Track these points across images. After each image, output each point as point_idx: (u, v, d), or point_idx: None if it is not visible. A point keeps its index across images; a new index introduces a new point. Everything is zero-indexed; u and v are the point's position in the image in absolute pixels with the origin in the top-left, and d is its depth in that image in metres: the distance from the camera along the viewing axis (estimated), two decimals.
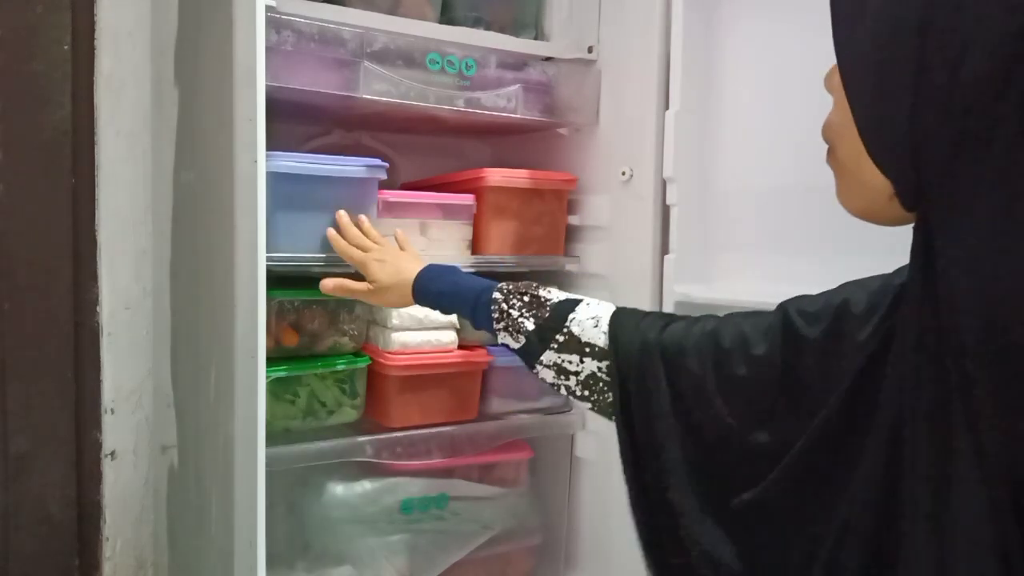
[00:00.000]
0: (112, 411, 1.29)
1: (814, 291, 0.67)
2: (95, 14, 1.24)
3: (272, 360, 1.02)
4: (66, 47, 1.21)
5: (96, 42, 1.24)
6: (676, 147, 1.11)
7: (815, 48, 1.01)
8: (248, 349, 0.93)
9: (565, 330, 0.80)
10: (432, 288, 0.96)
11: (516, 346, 0.85)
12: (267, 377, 0.96)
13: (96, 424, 1.28)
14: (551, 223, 1.27)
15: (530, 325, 0.83)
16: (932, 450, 0.47)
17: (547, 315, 0.82)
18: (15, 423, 1.20)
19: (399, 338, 1.14)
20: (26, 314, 1.20)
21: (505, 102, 1.18)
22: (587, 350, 0.78)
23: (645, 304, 1.13)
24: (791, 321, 0.64)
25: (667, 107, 1.12)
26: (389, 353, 1.13)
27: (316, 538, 1.16)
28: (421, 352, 1.15)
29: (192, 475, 1.20)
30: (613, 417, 0.76)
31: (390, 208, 1.13)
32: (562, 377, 0.80)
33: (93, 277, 1.26)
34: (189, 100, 1.19)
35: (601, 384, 0.77)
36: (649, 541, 0.71)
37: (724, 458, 0.66)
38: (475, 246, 1.22)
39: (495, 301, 0.87)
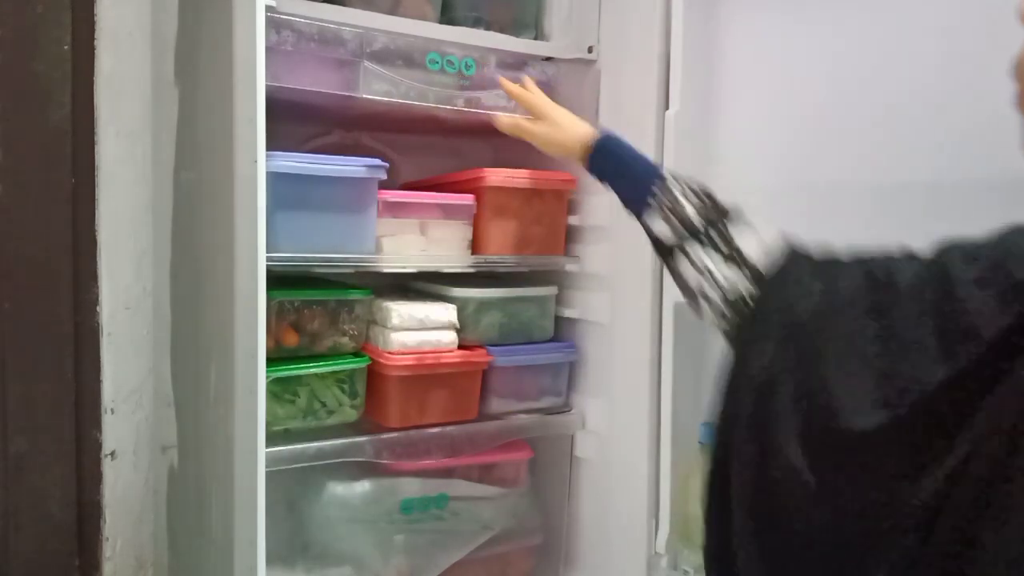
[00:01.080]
0: (112, 411, 1.29)
1: None
2: (95, 14, 1.23)
3: (272, 360, 1.02)
4: (66, 47, 1.21)
5: (96, 42, 1.24)
6: (676, 147, 1.10)
7: (815, 48, 1.02)
8: (248, 349, 0.93)
9: (726, 239, 0.78)
10: (612, 152, 0.96)
11: (667, 238, 0.84)
12: (267, 377, 0.96)
13: (96, 424, 1.28)
14: (551, 223, 1.27)
15: (697, 221, 0.81)
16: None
17: (713, 215, 0.80)
18: (15, 423, 1.20)
19: (399, 338, 1.14)
20: (26, 314, 1.20)
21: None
22: (744, 271, 0.76)
23: (646, 306, 1.14)
24: (948, 271, 0.58)
25: (667, 107, 1.12)
26: (389, 353, 1.13)
27: (316, 538, 1.16)
28: (421, 352, 1.15)
29: (192, 475, 1.20)
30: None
31: (390, 208, 1.13)
32: (704, 281, 0.78)
33: (93, 277, 1.26)
34: (189, 100, 1.19)
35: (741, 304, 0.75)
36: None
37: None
38: (475, 246, 1.22)
39: (663, 181, 0.86)
